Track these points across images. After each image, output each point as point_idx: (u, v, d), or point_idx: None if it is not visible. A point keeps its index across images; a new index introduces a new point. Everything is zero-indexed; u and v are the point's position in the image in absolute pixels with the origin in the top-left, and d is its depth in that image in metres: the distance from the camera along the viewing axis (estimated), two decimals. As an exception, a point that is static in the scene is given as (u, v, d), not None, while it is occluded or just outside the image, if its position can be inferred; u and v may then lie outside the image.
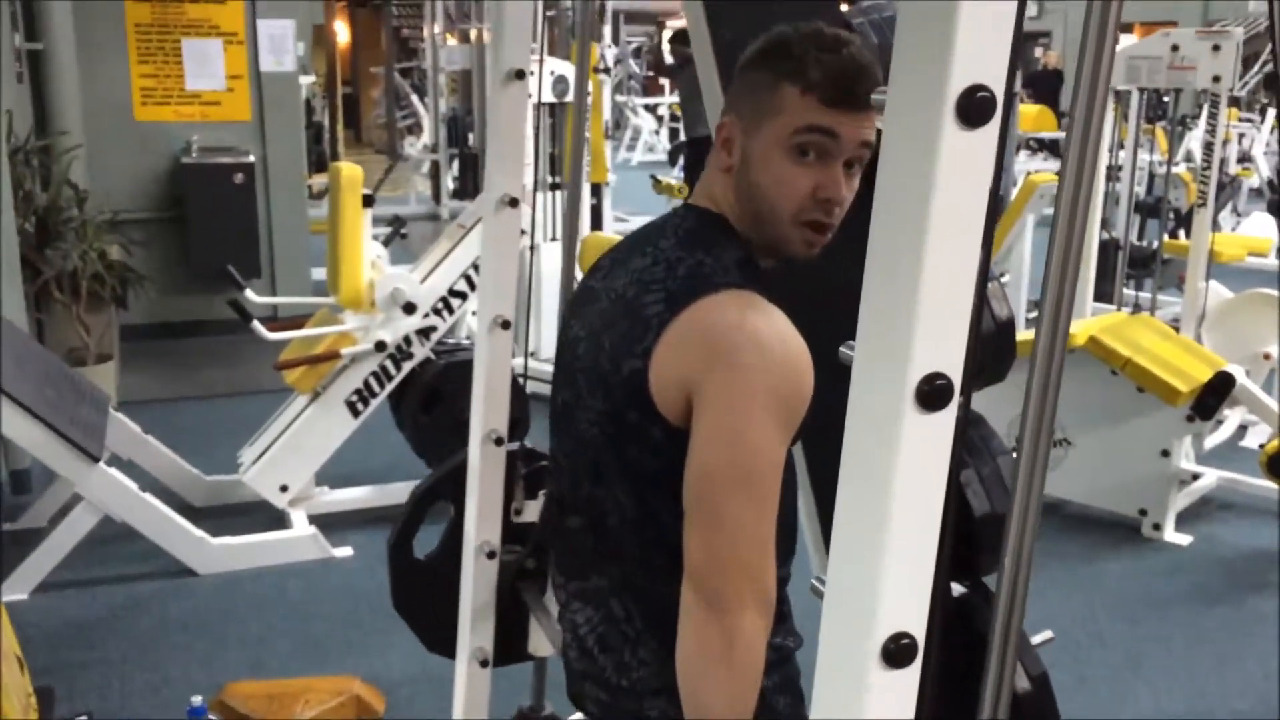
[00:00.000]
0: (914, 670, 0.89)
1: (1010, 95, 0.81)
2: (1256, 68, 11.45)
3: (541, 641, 2.12)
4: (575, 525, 1.45)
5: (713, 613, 1.21)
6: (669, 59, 8.32)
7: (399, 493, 3.67)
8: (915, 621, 0.88)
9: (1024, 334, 2.48)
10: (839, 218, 1.32)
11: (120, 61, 6.22)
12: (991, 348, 1.63)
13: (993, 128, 0.78)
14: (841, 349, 0.93)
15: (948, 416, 0.84)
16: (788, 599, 1.43)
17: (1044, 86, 13.56)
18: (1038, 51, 16.79)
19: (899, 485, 0.84)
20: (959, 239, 0.80)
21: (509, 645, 2.13)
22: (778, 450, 1.24)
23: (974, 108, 0.77)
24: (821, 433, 1.44)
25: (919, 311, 0.80)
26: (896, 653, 0.87)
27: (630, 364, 1.29)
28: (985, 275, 0.86)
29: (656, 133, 16.02)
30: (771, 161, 1.29)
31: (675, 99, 15.38)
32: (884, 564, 0.85)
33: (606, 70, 8.00)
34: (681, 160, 9.04)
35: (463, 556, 2.06)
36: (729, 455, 1.22)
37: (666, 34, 13.99)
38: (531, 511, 2.08)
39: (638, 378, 1.28)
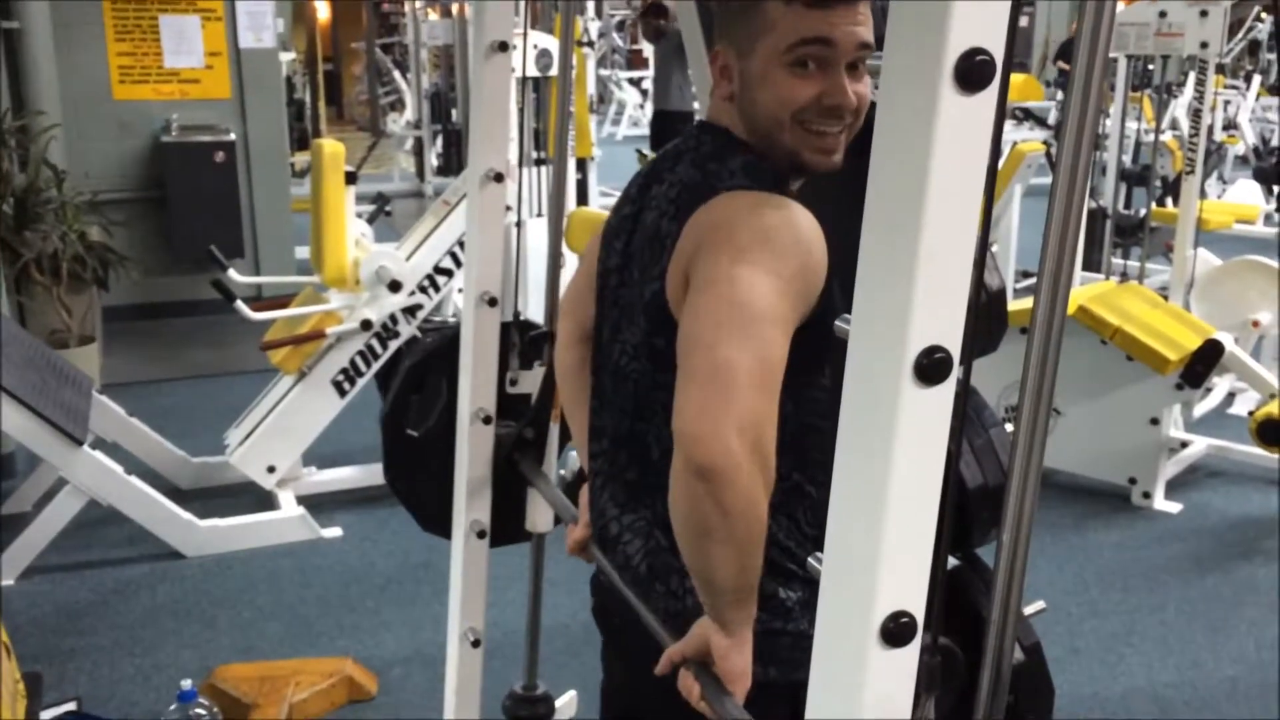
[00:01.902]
0: (913, 649, 0.87)
1: (1009, 60, 0.78)
2: (1241, 34, 11.44)
3: (541, 515, 2.08)
4: (622, 461, 1.44)
5: (707, 483, 1.13)
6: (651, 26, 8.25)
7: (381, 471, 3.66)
8: (914, 600, 0.86)
9: (1013, 304, 2.47)
10: (853, 124, 1.30)
11: (97, 39, 6.14)
12: (983, 319, 1.61)
13: (992, 92, 0.76)
14: (837, 323, 0.91)
15: (946, 390, 0.82)
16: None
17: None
18: (1024, 21, 16.74)
19: (897, 461, 0.82)
20: (957, 209, 0.78)
21: (506, 522, 2.07)
22: (775, 299, 1.17)
23: (973, 72, 0.74)
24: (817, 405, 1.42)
25: (917, 283, 0.78)
26: (896, 631, 0.85)
27: (650, 287, 1.30)
28: (985, 246, 0.84)
29: (641, 107, 15.90)
30: (771, 79, 1.28)
31: (659, 72, 15.31)
32: (882, 542, 0.83)
33: (590, 44, 7.93)
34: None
35: (457, 426, 2.01)
36: (720, 296, 1.17)
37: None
38: (527, 382, 2.04)
39: (658, 298, 1.28)
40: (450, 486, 2.04)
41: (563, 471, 2.64)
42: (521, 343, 2.02)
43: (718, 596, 1.21)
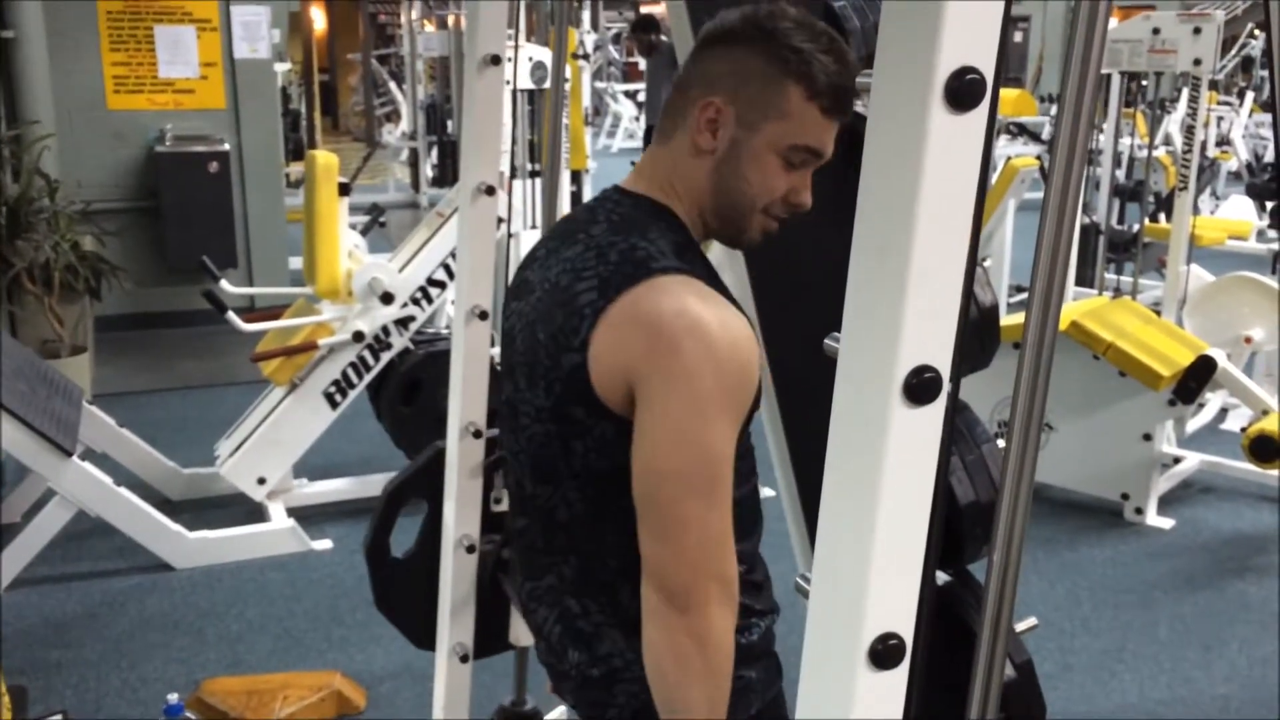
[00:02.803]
0: (902, 671, 0.87)
1: (999, 78, 0.78)
2: (1235, 50, 11.49)
3: (522, 631, 2.10)
4: (522, 525, 1.42)
5: (681, 615, 1.18)
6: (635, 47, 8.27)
7: (378, 484, 3.64)
8: (903, 621, 0.85)
9: (1006, 319, 2.47)
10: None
11: (92, 49, 6.13)
12: (975, 334, 1.60)
13: (982, 111, 0.75)
14: (826, 341, 0.90)
15: (936, 410, 0.81)
16: (762, 564, 1.40)
17: None
18: (1017, 36, 16.81)
19: (887, 482, 0.81)
20: (948, 227, 0.78)
21: (490, 636, 2.11)
22: (730, 446, 1.20)
23: (963, 90, 0.74)
24: (806, 426, 1.42)
25: (907, 302, 0.78)
26: (884, 653, 0.85)
27: (569, 358, 1.23)
28: (974, 264, 0.83)
29: (637, 119, 15.92)
30: (764, 163, 1.27)
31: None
32: (871, 563, 0.82)
33: (585, 56, 7.94)
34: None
35: (442, 551, 2.03)
36: (684, 459, 1.18)
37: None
38: None
39: (579, 372, 1.23)
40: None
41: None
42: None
43: None
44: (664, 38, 7.97)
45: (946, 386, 0.81)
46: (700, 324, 1.17)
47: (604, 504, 1.28)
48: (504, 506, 2.05)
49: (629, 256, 1.23)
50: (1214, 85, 8.73)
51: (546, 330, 1.27)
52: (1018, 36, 16.72)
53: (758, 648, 1.37)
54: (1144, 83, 5.70)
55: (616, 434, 1.23)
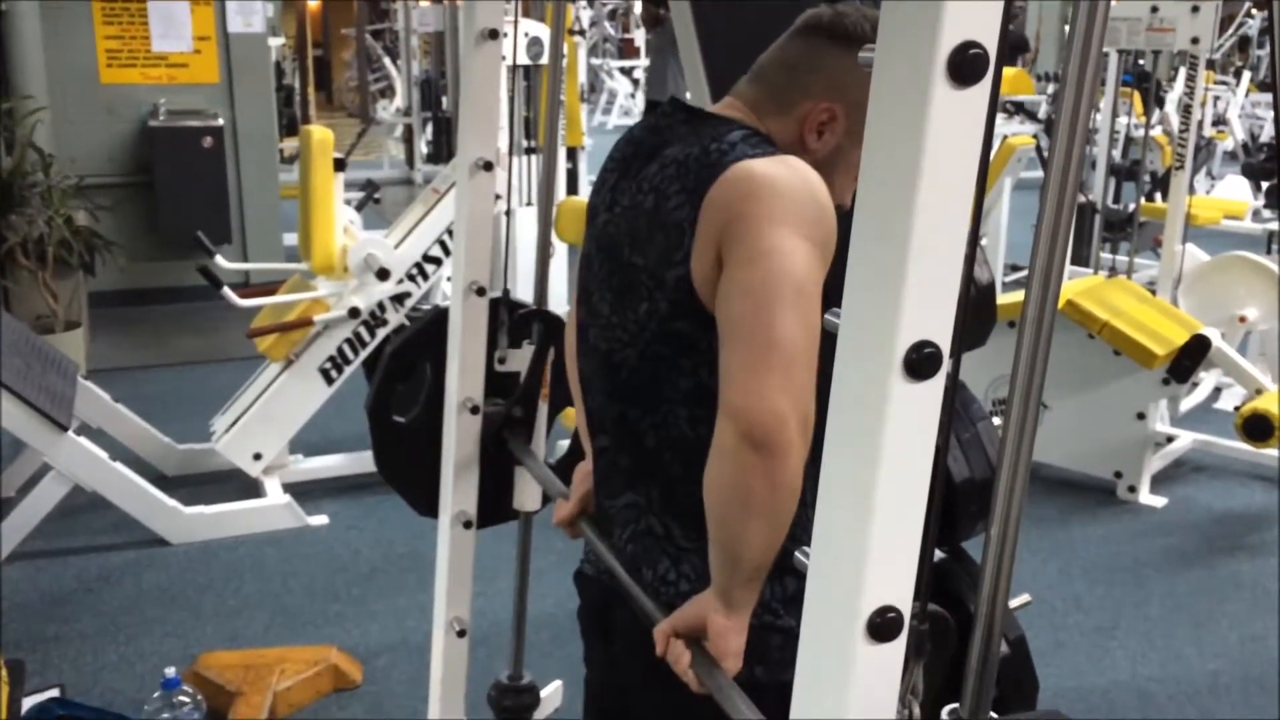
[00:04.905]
0: (900, 644, 0.87)
1: (1002, 53, 0.78)
2: (1232, 29, 11.46)
3: (529, 494, 2.06)
4: (604, 444, 1.43)
5: (760, 456, 1.14)
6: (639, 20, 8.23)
7: (373, 460, 3.66)
8: (901, 595, 0.86)
9: (1002, 298, 2.47)
10: None
11: (84, 23, 6.09)
12: (972, 313, 1.61)
13: (985, 86, 0.75)
14: (826, 316, 0.90)
15: (936, 385, 0.82)
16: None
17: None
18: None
19: (886, 457, 0.81)
20: (949, 204, 0.78)
21: (495, 502, 2.06)
22: (815, 267, 1.19)
23: (966, 65, 0.74)
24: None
25: (907, 277, 0.78)
26: (882, 626, 0.85)
27: (673, 273, 1.26)
28: (975, 240, 0.83)
29: (632, 96, 15.87)
30: (854, 174, 1.27)
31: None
32: (870, 537, 0.83)
33: (581, 32, 7.89)
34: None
35: (444, 415, 1.99)
36: (770, 269, 1.17)
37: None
38: (516, 360, 2.03)
39: (684, 283, 1.25)
40: (439, 471, 2.03)
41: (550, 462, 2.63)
42: (510, 321, 2.01)
43: (736, 573, 1.21)
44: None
45: (946, 363, 0.81)
46: (773, 176, 1.21)
47: (704, 427, 1.26)
48: (508, 367, 2.01)
49: (704, 161, 1.26)
50: (1211, 64, 8.71)
51: (642, 251, 1.30)
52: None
53: (783, 611, 1.36)
54: (1141, 62, 5.69)
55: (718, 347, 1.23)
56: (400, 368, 2.06)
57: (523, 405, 1.98)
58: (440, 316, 2.03)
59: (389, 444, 2.10)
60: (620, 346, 1.34)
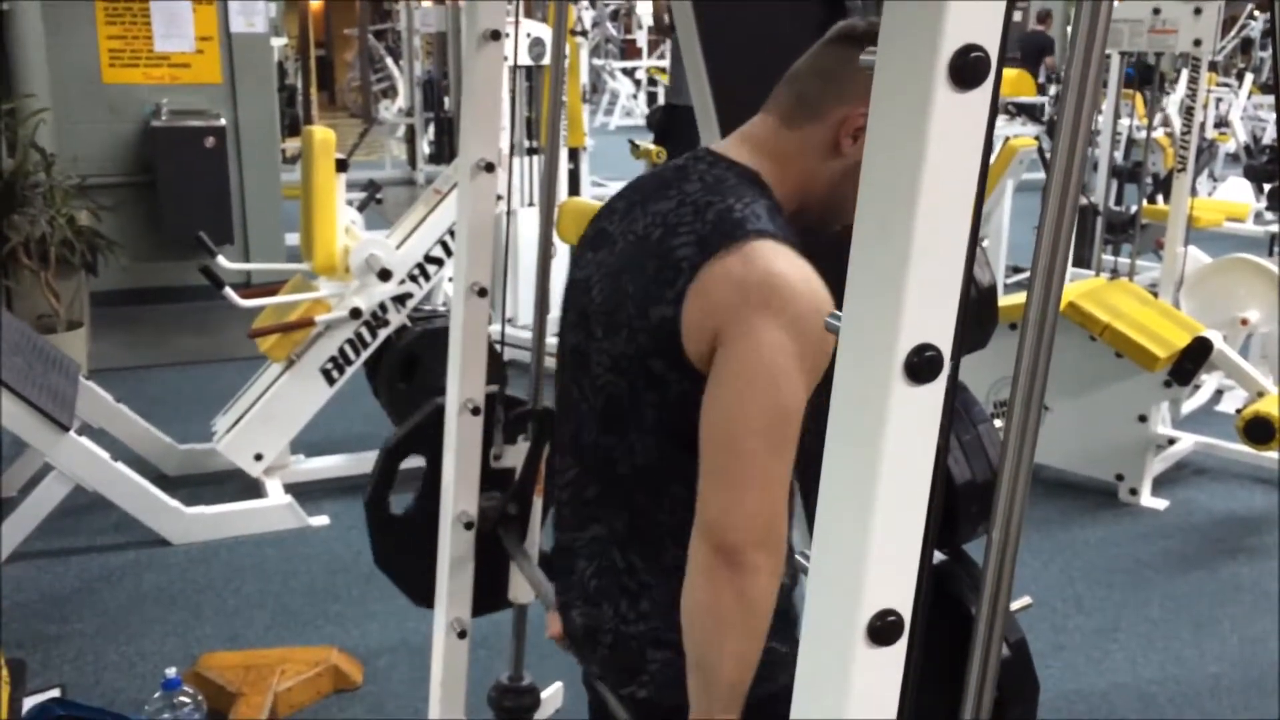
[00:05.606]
0: (900, 648, 0.87)
1: (1003, 56, 0.78)
2: (1234, 31, 11.45)
3: (522, 588, 2.08)
4: (573, 475, 1.42)
5: (731, 571, 1.18)
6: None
7: (374, 461, 3.67)
8: (902, 599, 0.86)
9: (1004, 300, 2.47)
10: None
11: (87, 22, 6.10)
12: (973, 315, 1.61)
13: (986, 89, 0.75)
14: (827, 319, 0.90)
15: (937, 389, 0.81)
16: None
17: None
18: (1016, 16, 16.73)
19: (886, 461, 0.81)
20: (950, 207, 0.77)
21: (490, 593, 2.08)
22: (802, 405, 1.21)
23: (968, 69, 0.73)
24: (806, 405, 1.42)
25: (908, 280, 0.78)
26: (883, 630, 0.85)
27: (659, 311, 1.25)
28: (976, 243, 0.83)
29: (635, 97, 15.89)
30: None
31: (654, 63, 15.26)
32: (870, 541, 0.83)
33: (584, 33, 7.90)
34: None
35: (440, 523, 2.02)
36: (761, 408, 1.19)
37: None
38: (511, 456, 2.04)
39: (668, 325, 1.25)
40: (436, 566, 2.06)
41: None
42: (506, 418, 2.02)
43: (715, 693, 1.22)
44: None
45: (947, 366, 0.81)
46: (790, 284, 1.21)
47: (669, 460, 1.29)
48: (504, 463, 2.03)
49: (726, 217, 1.25)
50: (1213, 66, 8.71)
51: (635, 281, 1.30)
52: (1016, 16, 16.65)
53: (789, 615, 1.37)
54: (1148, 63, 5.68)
55: (694, 391, 1.24)
56: (395, 464, 2.08)
57: (517, 502, 2.00)
58: (436, 411, 2.04)
59: (386, 536, 2.12)
60: (603, 371, 1.34)
